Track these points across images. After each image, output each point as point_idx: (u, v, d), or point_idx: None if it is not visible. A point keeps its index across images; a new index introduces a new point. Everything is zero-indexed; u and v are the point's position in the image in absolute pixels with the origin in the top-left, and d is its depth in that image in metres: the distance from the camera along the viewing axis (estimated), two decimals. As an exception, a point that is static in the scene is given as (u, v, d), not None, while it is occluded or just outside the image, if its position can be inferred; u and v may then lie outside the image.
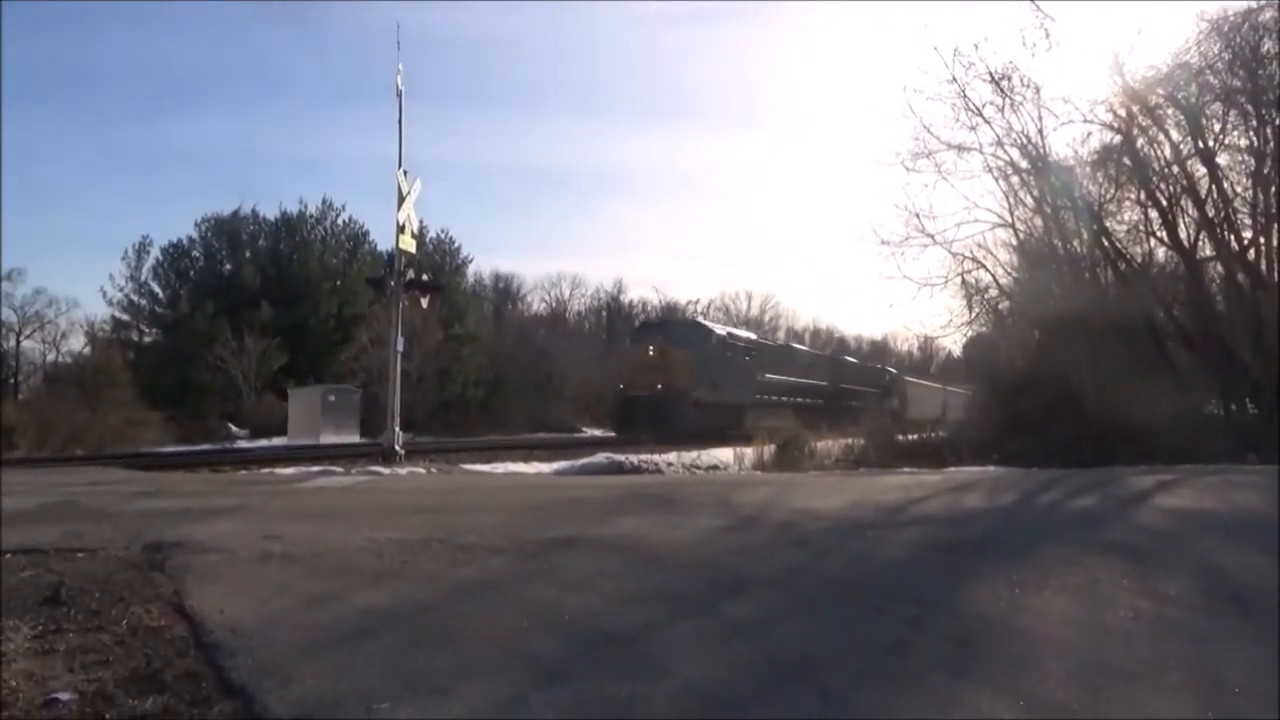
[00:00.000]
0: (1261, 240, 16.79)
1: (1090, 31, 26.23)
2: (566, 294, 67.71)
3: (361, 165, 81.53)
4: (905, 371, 62.19)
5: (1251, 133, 16.71)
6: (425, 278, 16.17)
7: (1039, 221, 18.48)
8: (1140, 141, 17.50)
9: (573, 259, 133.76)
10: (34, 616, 3.87)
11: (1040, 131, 17.39)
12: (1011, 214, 18.59)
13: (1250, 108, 16.39)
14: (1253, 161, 16.74)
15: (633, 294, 66.53)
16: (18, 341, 46.28)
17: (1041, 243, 18.44)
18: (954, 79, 17.19)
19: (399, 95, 15.06)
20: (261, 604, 4.06)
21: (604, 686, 3.09)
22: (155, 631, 3.69)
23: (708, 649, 3.56)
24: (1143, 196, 17.85)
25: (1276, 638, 3.88)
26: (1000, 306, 20.33)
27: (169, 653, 3.43)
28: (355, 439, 24.66)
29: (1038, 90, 17.05)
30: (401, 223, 14.84)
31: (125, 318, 41.37)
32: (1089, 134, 17.76)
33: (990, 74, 17.05)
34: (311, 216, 44.29)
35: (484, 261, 79.47)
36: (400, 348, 15.04)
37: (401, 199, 14.72)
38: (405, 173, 14.83)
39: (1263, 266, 16.78)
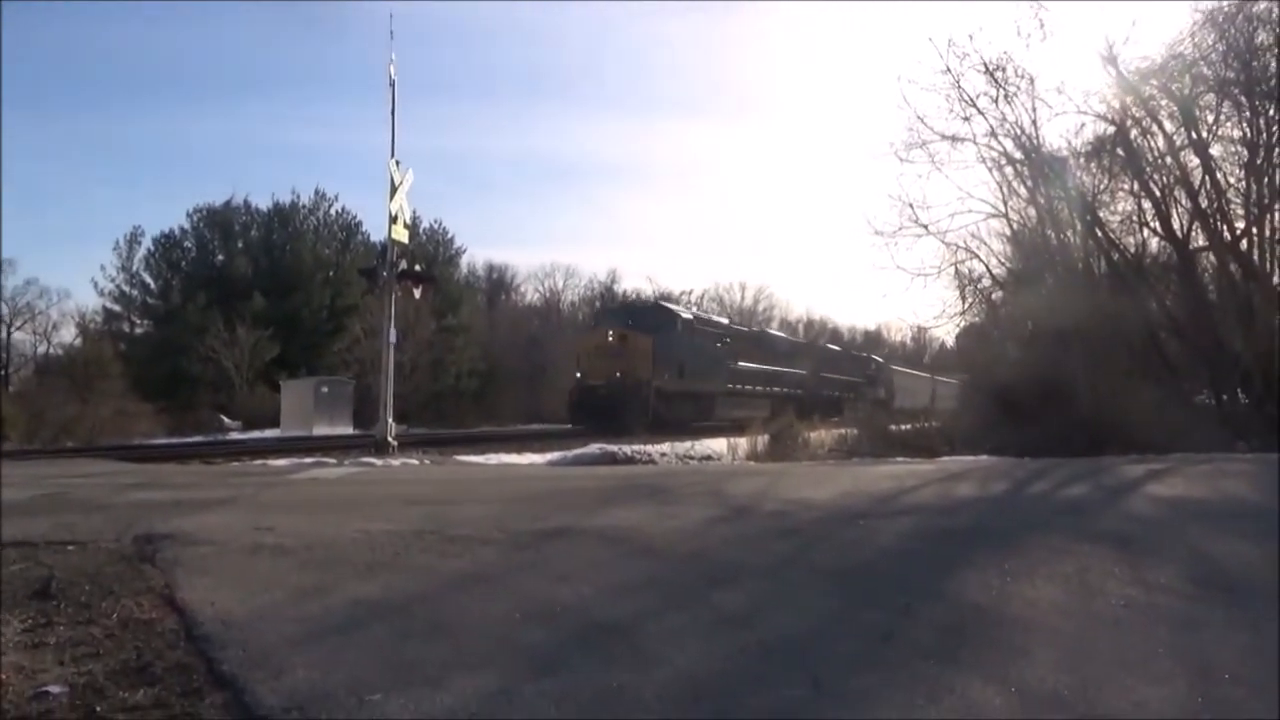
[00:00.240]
0: (1254, 231, 16.83)
1: (1084, 22, 26.18)
2: (560, 285, 67.66)
3: (354, 155, 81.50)
4: (897, 362, 62.17)
5: (1245, 124, 16.74)
6: (418, 268, 16.19)
7: (1032, 212, 18.48)
8: (1134, 133, 17.52)
9: (566, 250, 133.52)
10: (24, 610, 3.87)
11: (1034, 122, 17.39)
12: (1005, 204, 18.59)
13: (1244, 99, 16.40)
14: (1246, 153, 16.78)
15: (626, 284, 66.44)
16: (8, 333, 46.15)
17: (1035, 233, 18.45)
18: (948, 69, 17.17)
19: (391, 85, 15.00)
20: (253, 596, 4.05)
21: (595, 676, 3.09)
22: (146, 624, 3.69)
23: (699, 638, 3.57)
24: (1136, 187, 17.88)
25: (1267, 625, 3.90)
26: (993, 297, 20.33)
27: (160, 645, 3.43)
28: (348, 430, 24.65)
29: (1032, 81, 17.04)
30: (394, 213, 14.79)
31: (117, 309, 41.29)
32: (1083, 125, 17.78)
33: (984, 64, 17.04)
34: (304, 207, 44.25)
35: (477, 252, 79.57)
36: (393, 339, 15.02)
37: (394, 189, 14.67)
38: (398, 163, 14.78)
39: (1255, 257, 16.82)
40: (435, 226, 47.75)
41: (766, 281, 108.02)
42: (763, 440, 16.39)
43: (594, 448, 15.23)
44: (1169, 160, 17.34)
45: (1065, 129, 22.90)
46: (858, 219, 33.17)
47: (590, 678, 3.08)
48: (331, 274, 41.48)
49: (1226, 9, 16.12)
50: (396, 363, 16.30)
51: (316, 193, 44.84)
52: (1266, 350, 15.60)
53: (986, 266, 19.45)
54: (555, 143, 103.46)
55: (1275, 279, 16.94)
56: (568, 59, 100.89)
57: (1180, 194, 17.41)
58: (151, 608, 3.90)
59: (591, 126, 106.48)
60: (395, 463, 12.79)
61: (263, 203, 43.71)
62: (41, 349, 48.53)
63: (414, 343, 31.20)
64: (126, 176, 78.20)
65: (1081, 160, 18.19)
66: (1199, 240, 17.44)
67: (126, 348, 38.80)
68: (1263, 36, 16.20)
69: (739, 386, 32.22)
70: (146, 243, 40.98)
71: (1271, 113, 16.23)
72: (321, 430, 24.23)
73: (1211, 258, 17.60)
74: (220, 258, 41.66)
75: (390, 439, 14.37)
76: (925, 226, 17.98)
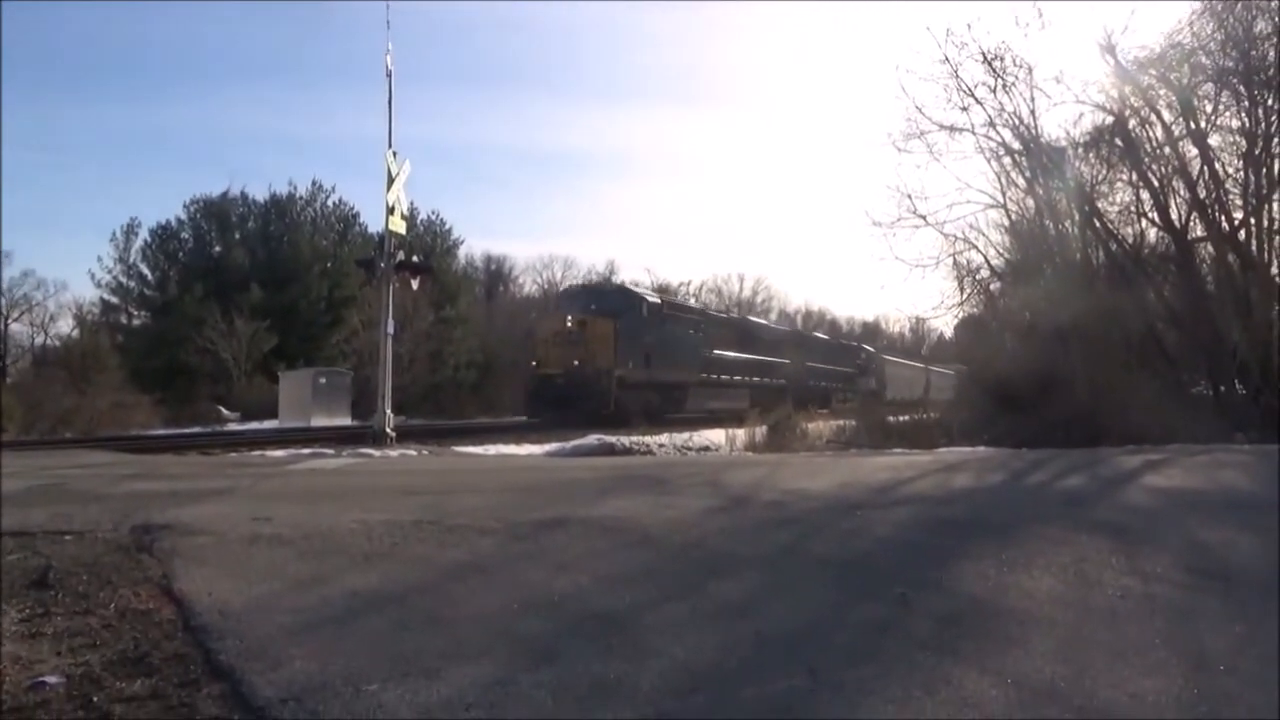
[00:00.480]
0: (1252, 221, 16.81)
1: (1083, 12, 26.17)
2: (558, 276, 67.61)
3: (351, 147, 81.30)
4: (895, 353, 61.91)
5: (1243, 114, 16.70)
6: (416, 259, 16.15)
7: (1031, 203, 18.46)
8: (1132, 123, 17.49)
9: (565, 241, 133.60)
10: (21, 599, 3.87)
11: (1032, 112, 17.36)
12: (1003, 195, 18.56)
13: (1242, 89, 16.37)
14: (1244, 143, 16.75)
15: (625, 275, 66.44)
16: (5, 324, 46.06)
17: (1033, 224, 18.43)
18: (946, 59, 17.14)
19: (389, 76, 14.99)
20: (250, 586, 4.06)
21: (592, 667, 3.09)
22: (143, 614, 3.69)
23: (696, 629, 3.57)
24: (1134, 178, 17.86)
25: (1262, 616, 3.91)
26: (991, 288, 20.33)
27: (157, 635, 3.43)
28: (346, 421, 24.63)
29: (1030, 71, 17.01)
30: (391, 204, 14.78)
31: (114, 300, 41.24)
32: (1081, 115, 17.76)
33: (983, 54, 17.00)
34: (301, 198, 44.15)
35: (475, 243, 79.55)
36: (391, 330, 15.02)
37: (391, 180, 14.65)
38: (395, 154, 14.77)
39: (1253, 247, 16.81)
40: (433, 217, 47.70)
41: (765, 273, 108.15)
42: (760, 431, 16.39)
43: (592, 438, 15.24)
44: (1167, 150, 17.33)
45: (1064, 119, 22.79)
46: (856, 210, 33.23)
47: (587, 668, 3.08)
48: (329, 265, 41.41)
49: (1225, -3, 16.09)
50: (394, 354, 16.31)
51: (313, 184, 44.80)
52: (1264, 341, 15.62)
53: (985, 257, 19.45)
54: (553, 134, 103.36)
55: (1273, 270, 16.94)
56: (568, 49, 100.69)
57: (1179, 184, 17.40)
58: (149, 598, 3.90)
59: (589, 117, 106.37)
60: (393, 454, 12.80)
61: (260, 194, 43.67)
62: (39, 340, 48.45)
63: (412, 334, 31.17)
64: (123, 168, 78.02)
65: (1080, 151, 18.18)
66: (1197, 231, 17.43)
67: (124, 339, 38.78)
68: (1261, 25, 16.17)
69: (715, 376, 30.54)
70: (143, 234, 40.94)
71: (1270, 102, 16.20)
72: (319, 421, 24.22)
73: (1209, 248, 17.59)
74: (217, 249, 41.59)
75: (388, 430, 14.38)
76: (923, 217, 17.97)
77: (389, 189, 14.67)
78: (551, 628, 3.56)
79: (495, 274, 64.03)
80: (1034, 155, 17.66)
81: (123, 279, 40.68)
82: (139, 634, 3.43)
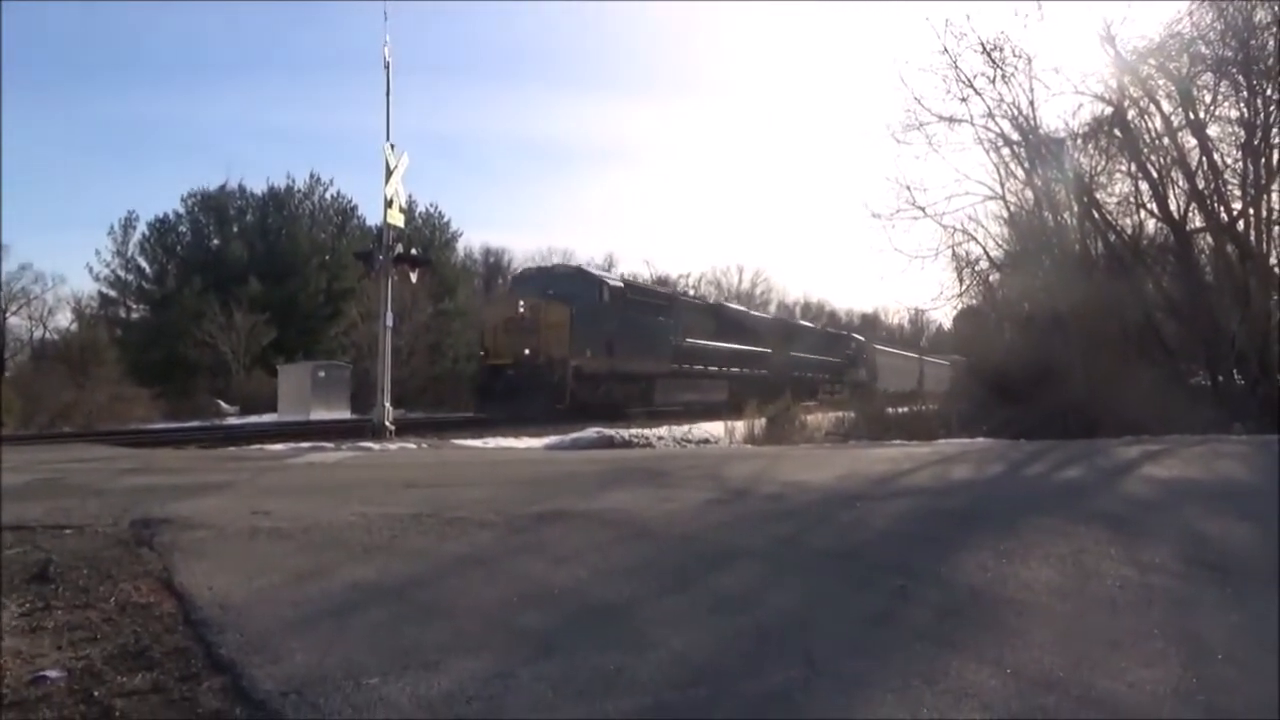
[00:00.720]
0: (1251, 212, 16.81)
1: (1082, 1, 26.07)
2: (557, 269, 67.29)
3: (349, 139, 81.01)
4: (893, 343, 61.76)
5: (1242, 104, 16.68)
6: (414, 252, 16.11)
7: (1030, 194, 18.46)
8: (1131, 113, 17.49)
9: (563, 233, 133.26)
10: (22, 594, 3.87)
11: (1031, 103, 17.36)
12: (1002, 186, 18.57)
13: (1242, 78, 16.34)
14: (1243, 133, 16.73)
15: (623, 268, 66.34)
16: (3, 318, 45.98)
17: (1032, 215, 18.43)
18: (945, 50, 17.13)
19: (386, 68, 14.96)
20: (250, 579, 4.06)
21: (592, 659, 3.10)
22: (143, 608, 3.69)
23: (695, 621, 3.58)
24: (1133, 169, 17.85)
25: (1260, 605, 3.93)
26: (990, 279, 20.35)
27: (157, 629, 3.43)
28: (345, 415, 24.63)
29: (1029, 61, 17.00)
30: (389, 197, 14.75)
31: (112, 294, 41.16)
32: (1080, 105, 17.75)
33: (982, 44, 16.99)
34: (299, 191, 44.06)
35: (473, 235, 79.37)
36: (390, 323, 15.02)
37: (389, 173, 14.62)
38: (393, 146, 14.74)
39: (1252, 238, 16.82)
40: (431, 210, 47.57)
41: (764, 265, 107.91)
42: (759, 424, 16.40)
43: (591, 431, 15.25)
44: (1166, 141, 17.32)
45: (1063, 110, 22.78)
46: (856, 202, 33.21)
47: (587, 660, 3.09)
48: (327, 258, 41.32)
49: (1225, -13, 16.06)
50: (393, 347, 16.30)
51: (311, 176, 44.67)
52: (1262, 331, 15.64)
53: (984, 249, 19.46)
54: (553, 125, 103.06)
55: (1272, 260, 16.97)
56: (567, 41, 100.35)
57: (1177, 175, 17.40)
58: (149, 592, 3.90)
59: (588, 109, 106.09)
60: (392, 447, 12.80)
61: (258, 187, 43.55)
62: (37, 334, 48.35)
63: (411, 326, 31.11)
64: (120, 161, 77.75)
65: (1079, 141, 18.17)
66: (1196, 222, 17.44)
67: (122, 333, 38.73)
68: (1261, 15, 16.14)
69: (687, 367, 28.47)
70: (141, 227, 40.84)
71: (1269, 92, 16.19)
72: (319, 415, 24.21)
73: (1208, 239, 17.60)
74: (215, 242, 41.51)
75: (387, 423, 14.38)
76: (922, 209, 17.98)
77: (387, 182, 14.64)
78: (551, 620, 3.57)
79: (494, 266, 63.88)
80: (1033, 146, 17.66)
81: (121, 273, 40.62)
82: (139, 628, 3.44)
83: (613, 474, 8.05)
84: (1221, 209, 17.02)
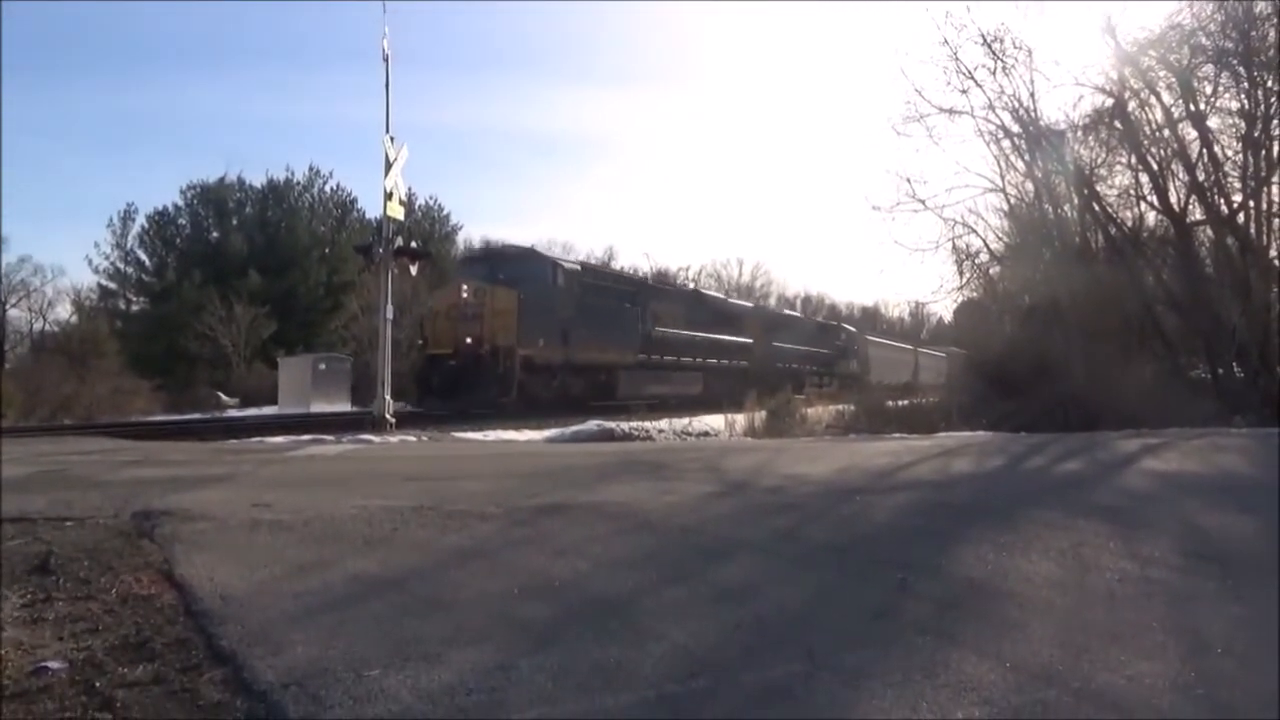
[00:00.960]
0: (1251, 204, 16.81)
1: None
2: (556, 261, 67.13)
3: (349, 131, 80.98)
4: (892, 336, 61.53)
5: (1243, 95, 16.70)
6: (414, 245, 16.07)
7: (1030, 186, 18.48)
8: (1132, 105, 17.48)
9: (563, 226, 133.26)
10: (23, 585, 3.87)
11: (1032, 95, 17.37)
12: (1002, 179, 18.59)
13: (1242, 70, 16.34)
14: (1243, 125, 16.72)
15: (624, 261, 66.29)
16: (3, 310, 45.98)
17: (1032, 208, 18.44)
18: (946, 41, 17.12)
19: (386, 60, 14.90)
20: (251, 571, 4.06)
21: (592, 651, 3.11)
22: (145, 599, 3.69)
23: (695, 613, 3.58)
24: (1134, 161, 17.87)
25: (1259, 598, 3.93)
26: (991, 272, 20.36)
27: (159, 620, 3.43)
28: (346, 407, 24.62)
29: (1029, 53, 17.00)
30: (389, 189, 14.72)
31: (112, 286, 41.20)
32: (1081, 97, 17.78)
33: (982, 36, 16.99)
34: (299, 184, 44.08)
35: (473, 228, 79.00)
36: (390, 315, 14.99)
37: (389, 166, 14.59)
38: (392, 139, 14.70)
39: (1252, 231, 16.82)
40: (431, 202, 47.64)
41: (765, 258, 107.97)
42: (760, 416, 16.42)
43: (592, 424, 15.26)
44: (1167, 133, 17.32)
45: (1063, 102, 22.75)
46: (856, 195, 33.21)
47: (587, 652, 3.10)
48: (327, 251, 41.35)
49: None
50: (393, 339, 16.28)
51: (311, 169, 44.69)
52: (1263, 324, 15.65)
53: (984, 241, 19.49)
54: (552, 118, 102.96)
55: (1272, 253, 16.98)
56: (565, 33, 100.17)
57: (1178, 167, 17.40)
58: (150, 583, 3.90)
59: (587, 102, 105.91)
60: (393, 439, 12.81)
61: (257, 180, 43.54)
62: (38, 326, 48.37)
63: (411, 319, 31.07)
64: (120, 153, 77.66)
65: (1079, 133, 18.19)
66: (1196, 214, 17.44)
67: (122, 325, 38.76)
68: (1261, 6, 16.14)
69: (657, 358, 26.34)
70: (140, 220, 40.86)
71: (1270, 84, 16.18)
72: (319, 407, 24.21)
73: (1209, 232, 17.60)
74: (215, 235, 41.52)
75: (388, 416, 14.38)
76: (922, 201, 18.02)
77: (387, 174, 14.61)
78: (552, 612, 3.57)
79: (494, 259, 63.74)
80: (1033, 138, 17.65)
81: (120, 265, 40.69)
82: (141, 619, 3.44)
83: (613, 467, 8.07)
84: (1222, 201, 17.02)
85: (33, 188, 71.11)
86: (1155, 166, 17.49)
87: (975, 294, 21.56)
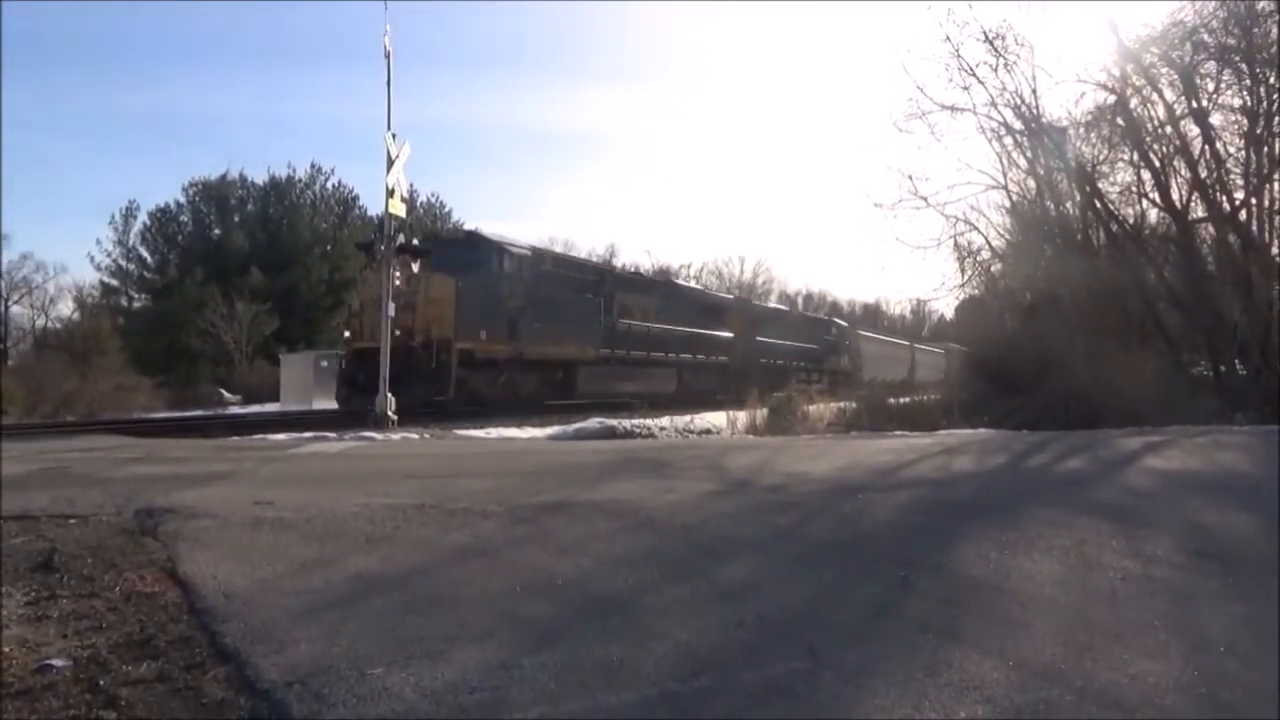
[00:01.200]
0: (1253, 201, 16.79)
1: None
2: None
3: (350, 128, 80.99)
4: (893, 333, 61.33)
5: (1245, 92, 16.68)
6: (416, 242, 16.05)
7: (1032, 183, 18.47)
8: (1134, 102, 17.46)
9: (564, 223, 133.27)
10: (27, 583, 3.88)
11: (1034, 91, 17.36)
12: (1004, 175, 18.58)
13: (1244, 66, 16.32)
14: (1245, 122, 16.70)
15: (625, 258, 66.22)
16: (5, 307, 46.01)
17: (1034, 205, 18.43)
18: (948, 38, 17.11)
19: (387, 57, 14.86)
20: (254, 569, 4.07)
21: (595, 649, 3.11)
22: (148, 597, 3.70)
23: (698, 611, 3.59)
24: (1136, 158, 17.85)
25: (1261, 597, 3.93)
26: (992, 269, 20.36)
27: (162, 618, 3.44)
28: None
29: (1032, 50, 16.99)
30: (391, 187, 14.71)
31: (114, 283, 41.25)
32: (1083, 94, 17.78)
33: (984, 33, 16.98)
34: (300, 181, 44.13)
35: (475, 225, 79.05)
36: (391, 313, 14.98)
37: (390, 163, 14.58)
38: (394, 136, 14.67)
39: (1254, 227, 16.79)
40: (432, 199, 47.67)
41: (766, 255, 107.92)
42: (761, 414, 16.42)
43: (593, 422, 15.26)
44: (1169, 130, 17.29)
45: (1065, 98, 22.75)
46: (858, 192, 33.19)
47: (590, 650, 3.10)
48: (329, 248, 41.39)
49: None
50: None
51: (313, 166, 44.76)
52: (1265, 322, 15.63)
53: (985, 238, 19.49)
54: (553, 115, 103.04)
55: (1274, 250, 16.95)
56: (569, 30, 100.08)
57: (1180, 164, 17.38)
58: (154, 581, 3.91)
59: (589, 99, 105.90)
60: (395, 437, 12.81)
61: (259, 177, 43.58)
62: (40, 323, 48.42)
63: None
64: (121, 150, 77.70)
65: (1081, 130, 18.18)
66: (1198, 211, 17.42)
67: (124, 322, 38.80)
68: (1264, 3, 16.09)
69: (623, 353, 24.23)
70: (142, 217, 40.92)
71: (1272, 80, 16.16)
72: (321, 404, 24.21)
73: (1210, 229, 17.58)
74: (217, 232, 41.57)
75: (389, 413, 14.38)
76: (924, 198, 18.01)
77: (389, 171, 14.60)
78: (554, 610, 3.58)
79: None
80: (1035, 135, 17.65)
81: (122, 262, 40.75)
82: (144, 617, 3.45)
83: (615, 464, 8.07)
84: (1224, 198, 17.00)
85: (35, 184, 71.27)
86: (1157, 163, 17.48)
87: (977, 291, 21.57)
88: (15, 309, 47.64)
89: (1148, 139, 17.46)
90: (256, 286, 36.22)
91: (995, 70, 17.22)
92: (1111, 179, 18.52)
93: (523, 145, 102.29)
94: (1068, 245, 17.61)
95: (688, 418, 17.43)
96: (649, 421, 15.83)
